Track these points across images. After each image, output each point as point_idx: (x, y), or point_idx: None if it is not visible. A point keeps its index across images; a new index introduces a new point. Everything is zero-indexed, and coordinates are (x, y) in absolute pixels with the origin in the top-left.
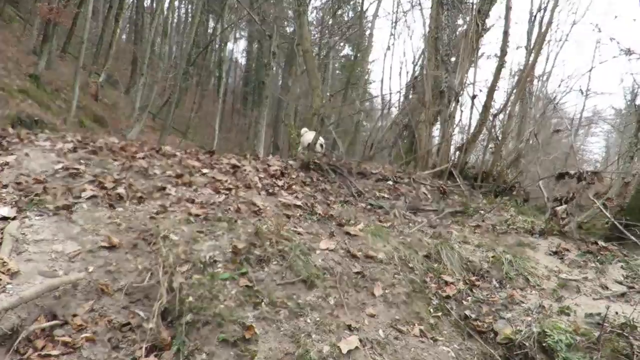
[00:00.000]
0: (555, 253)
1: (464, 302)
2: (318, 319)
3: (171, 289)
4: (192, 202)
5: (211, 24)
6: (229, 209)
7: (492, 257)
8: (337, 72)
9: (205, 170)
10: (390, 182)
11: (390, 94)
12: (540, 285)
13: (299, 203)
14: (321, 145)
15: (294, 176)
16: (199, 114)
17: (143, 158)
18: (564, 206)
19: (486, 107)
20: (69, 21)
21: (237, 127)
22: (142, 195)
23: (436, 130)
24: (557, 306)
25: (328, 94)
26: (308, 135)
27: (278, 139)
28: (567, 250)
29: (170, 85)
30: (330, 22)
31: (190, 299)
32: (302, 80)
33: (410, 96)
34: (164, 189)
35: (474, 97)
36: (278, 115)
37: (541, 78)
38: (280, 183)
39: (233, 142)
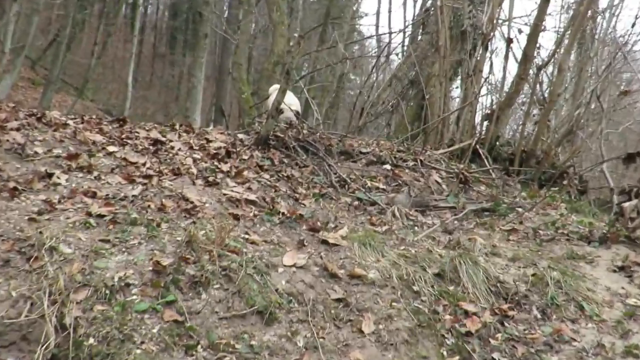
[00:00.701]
0: (622, 269)
1: (492, 341)
2: None
3: (62, 327)
4: (93, 196)
5: None
6: (149, 206)
7: (533, 275)
8: (312, 0)
9: (112, 149)
10: (388, 166)
11: (390, 33)
12: (600, 315)
13: (253, 197)
14: (297, 113)
15: (245, 157)
16: (102, 61)
17: (17, 129)
18: (635, 201)
19: (527, 56)
20: None
21: (160, 82)
22: (15, 186)
23: (455, 89)
24: (622, 345)
25: (297, 34)
26: (277, 95)
27: (223, 100)
28: (638, 264)
29: (59, 17)
30: None
31: (91, 340)
32: (260, 11)
33: (419, 37)
34: (50, 176)
35: (509, 41)
36: (223, 65)
37: (607, 13)
38: (225, 168)
39: (155, 103)
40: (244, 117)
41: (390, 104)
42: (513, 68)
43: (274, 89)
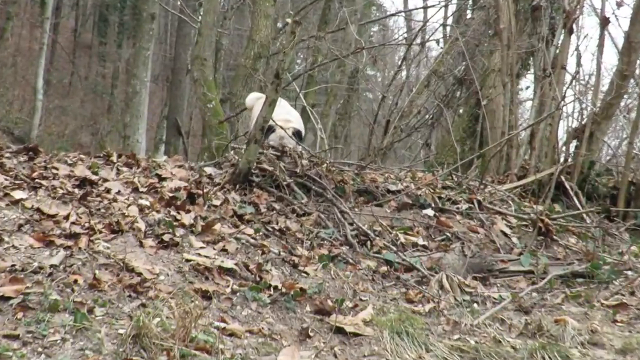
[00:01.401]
0: None
1: None
2: None
3: None
4: None
5: None
6: (75, 281)
7: None
8: None
9: (18, 195)
10: (430, 212)
11: (426, 9)
12: None
13: (230, 264)
14: (296, 134)
15: (217, 202)
16: None
17: None
18: None
19: (631, 43)
20: None
21: (84, 85)
22: None
23: (524, 90)
24: None
25: (289, 19)
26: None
27: (178, 112)
28: None
29: None
30: None
31: None
32: None
33: (469, 15)
34: None
35: (605, 21)
36: (178, 60)
37: None
38: (187, 219)
39: (77, 118)
40: (210, 136)
41: (429, 114)
42: (611, 60)
43: (256, 99)
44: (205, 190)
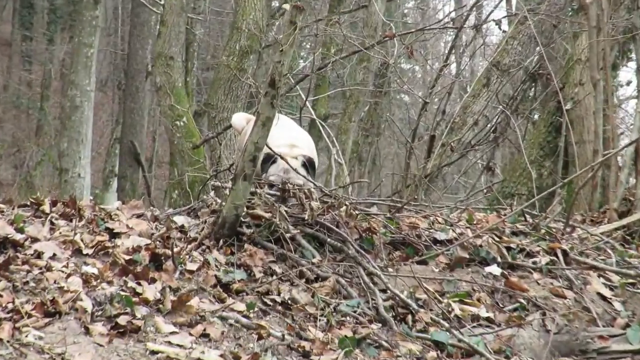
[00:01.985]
0: None
1: None
2: None
3: None
4: None
5: None
6: None
7: None
8: None
9: None
10: (496, 269)
11: None
12: None
13: (213, 356)
14: (307, 163)
15: (193, 266)
16: None
17: None
18: None
19: None
20: None
21: (4, 98)
22: None
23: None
24: None
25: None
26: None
27: (136, 134)
28: None
29: None
30: None
31: None
32: None
33: None
34: None
35: None
36: (134, 60)
37: None
38: (151, 293)
39: None
40: (181, 167)
41: (491, 124)
42: None
43: (246, 119)
44: (176, 250)
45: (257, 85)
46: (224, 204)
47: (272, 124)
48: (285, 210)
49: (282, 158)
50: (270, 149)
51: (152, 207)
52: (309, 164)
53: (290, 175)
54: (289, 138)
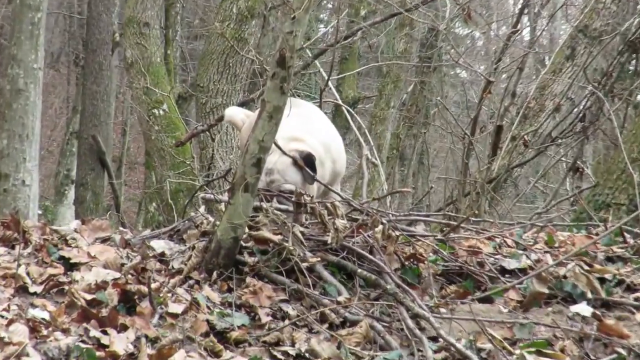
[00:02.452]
0: None
1: None
2: None
3: None
4: None
5: None
6: None
7: None
8: None
9: None
10: (585, 308)
11: None
12: None
13: None
14: (307, 164)
15: (177, 308)
16: None
17: None
18: None
19: None
20: None
21: None
22: None
23: None
24: None
25: None
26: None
27: (100, 126)
28: None
29: None
30: None
31: None
32: None
33: None
34: None
35: None
36: (95, 29)
37: None
38: (121, 343)
39: None
40: (161, 170)
41: (578, 110)
42: None
43: (243, 113)
44: (154, 286)
45: (262, 60)
46: (218, 223)
47: (283, 114)
48: (301, 231)
49: (282, 152)
50: (277, 145)
51: (121, 228)
52: (307, 164)
53: (274, 178)
54: (291, 129)
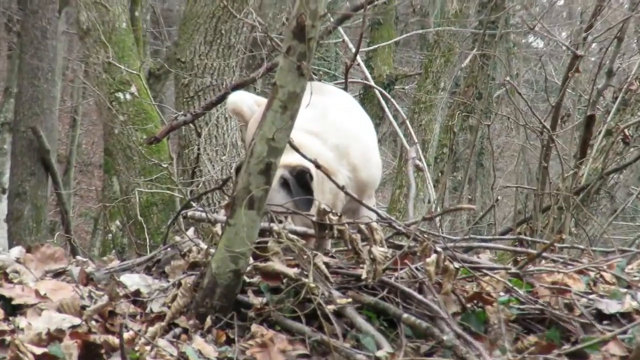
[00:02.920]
0: None
1: None
2: None
3: None
4: None
5: None
6: None
7: None
8: None
9: None
10: None
11: None
12: None
13: None
14: (299, 182)
15: None
16: None
17: None
18: None
19: None
20: None
21: None
22: None
23: None
24: None
25: None
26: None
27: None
28: None
29: None
30: None
31: None
32: None
33: None
34: None
35: None
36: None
37: None
38: None
39: None
40: (128, 176)
41: None
42: None
43: (254, 102)
44: (127, 336)
45: (266, 26)
46: (213, 251)
47: (301, 103)
48: (325, 263)
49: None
50: (292, 145)
51: (78, 256)
52: (298, 182)
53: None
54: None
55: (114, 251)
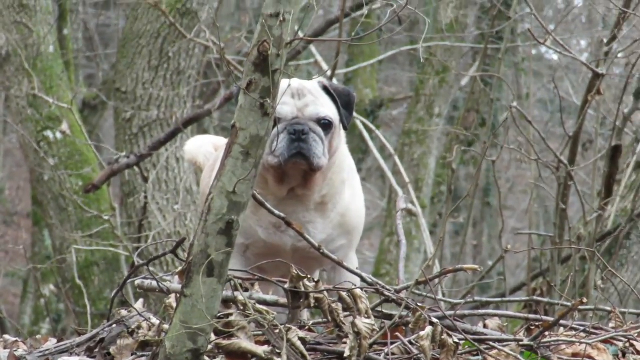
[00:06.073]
0: None
1: None
2: None
3: None
4: None
5: None
6: None
7: None
8: None
9: None
10: None
11: None
12: None
13: None
14: (345, 114)
15: None
16: None
17: None
18: None
19: None
20: None
21: None
22: None
23: None
24: None
25: None
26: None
27: None
28: None
29: None
30: None
31: None
32: None
33: None
34: None
35: None
36: None
37: None
38: None
39: None
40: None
41: None
42: None
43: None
44: None
45: (221, 47)
46: (166, 327)
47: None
48: (301, 338)
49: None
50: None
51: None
52: (343, 101)
53: (307, 101)
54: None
55: (47, 319)
